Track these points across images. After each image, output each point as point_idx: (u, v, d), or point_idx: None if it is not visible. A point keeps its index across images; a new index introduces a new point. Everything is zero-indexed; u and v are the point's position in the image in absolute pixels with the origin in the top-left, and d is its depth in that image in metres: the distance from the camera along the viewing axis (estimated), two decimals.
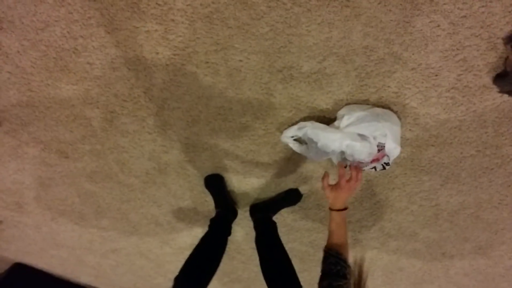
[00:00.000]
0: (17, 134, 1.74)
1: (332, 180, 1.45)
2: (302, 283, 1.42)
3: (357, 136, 1.41)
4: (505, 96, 1.37)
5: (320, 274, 1.14)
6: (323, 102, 1.48)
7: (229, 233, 1.80)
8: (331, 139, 1.42)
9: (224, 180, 1.88)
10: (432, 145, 1.57)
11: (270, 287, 1.49)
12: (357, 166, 1.31)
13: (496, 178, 1.67)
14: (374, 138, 1.43)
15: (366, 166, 1.54)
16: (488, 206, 1.81)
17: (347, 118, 1.43)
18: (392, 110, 1.48)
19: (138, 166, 1.84)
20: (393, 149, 1.47)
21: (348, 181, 1.27)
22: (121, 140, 1.71)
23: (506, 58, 1.26)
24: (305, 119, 1.55)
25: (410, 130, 1.53)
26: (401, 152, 1.61)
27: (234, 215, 1.93)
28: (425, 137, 1.55)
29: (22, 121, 1.67)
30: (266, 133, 1.62)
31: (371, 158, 1.48)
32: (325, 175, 1.33)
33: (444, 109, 1.44)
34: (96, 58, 1.42)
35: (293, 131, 1.53)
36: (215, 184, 1.88)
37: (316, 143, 1.48)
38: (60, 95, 1.54)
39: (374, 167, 1.55)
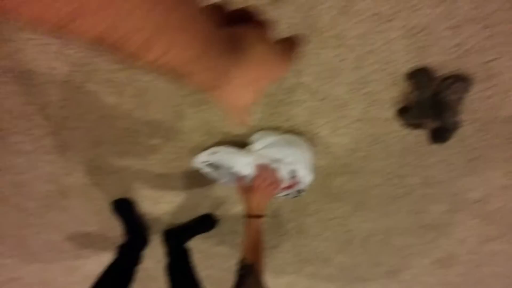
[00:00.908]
0: None
1: None
2: None
3: (270, 160, 1.39)
4: (409, 129, 1.42)
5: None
6: (235, 128, 1.44)
7: (137, 262, 1.68)
8: (244, 163, 1.38)
9: (134, 204, 1.76)
10: (342, 174, 1.59)
11: None
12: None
13: (402, 206, 1.73)
14: (287, 164, 1.41)
15: (279, 193, 1.52)
16: (396, 232, 1.87)
17: (260, 143, 1.40)
18: (304, 137, 1.47)
19: (37, 189, 1.67)
20: (306, 176, 1.46)
21: (263, 182, 1.24)
22: (16, 160, 1.54)
23: (408, 93, 1.30)
24: (218, 144, 1.50)
25: (323, 158, 1.54)
26: (314, 180, 1.61)
27: (144, 242, 1.82)
28: (336, 166, 1.56)
29: None
30: (177, 157, 1.55)
31: (284, 184, 1.46)
32: (240, 177, 1.29)
33: (352, 139, 1.46)
34: None
35: (205, 157, 1.47)
36: (123, 209, 1.75)
37: (228, 168, 1.43)
38: None
39: (287, 194, 1.54)
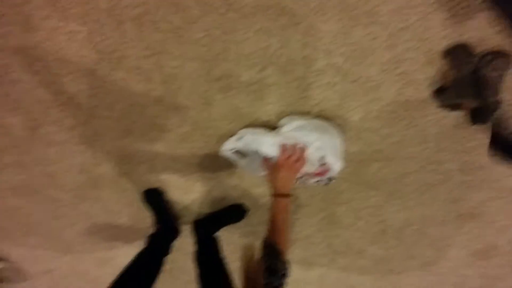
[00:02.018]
0: None
1: None
2: None
3: (296, 141, 1.35)
4: (446, 111, 1.35)
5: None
6: (264, 114, 1.42)
7: (166, 253, 1.68)
8: (270, 143, 1.34)
9: (164, 194, 1.76)
10: (376, 160, 1.54)
11: None
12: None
13: (439, 195, 1.65)
14: (316, 151, 1.37)
15: (309, 179, 1.48)
16: (432, 223, 1.79)
17: (287, 126, 1.37)
18: (334, 123, 1.43)
19: (69, 180, 1.69)
20: (334, 163, 1.41)
21: (289, 159, 1.22)
22: (48, 150, 1.57)
23: (445, 73, 1.24)
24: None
25: (354, 144, 1.49)
26: (346, 167, 1.56)
27: (175, 233, 1.81)
28: (369, 152, 1.51)
29: None
30: (207, 145, 1.53)
31: (313, 170, 1.42)
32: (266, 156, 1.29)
33: (386, 123, 1.40)
34: (14, 60, 1.28)
35: (232, 143, 1.44)
36: (154, 199, 1.76)
37: (256, 152, 1.40)
38: None
39: (318, 181, 1.49)
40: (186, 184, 1.70)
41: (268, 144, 1.33)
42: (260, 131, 1.38)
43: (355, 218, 1.82)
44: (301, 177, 1.48)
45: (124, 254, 2.07)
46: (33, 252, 2.13)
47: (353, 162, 1.55)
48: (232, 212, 1.84)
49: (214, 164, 1.60)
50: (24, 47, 1.25)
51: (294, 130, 1.35)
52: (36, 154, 1.58)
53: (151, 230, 1.76)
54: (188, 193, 1.75)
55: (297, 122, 1.36)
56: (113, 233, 1.98)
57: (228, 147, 1.45)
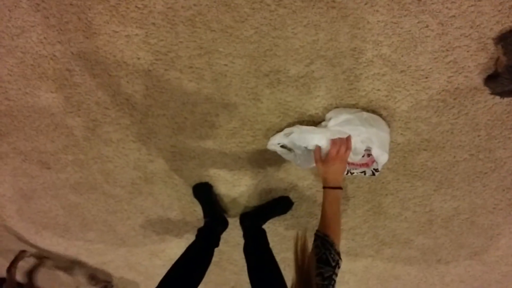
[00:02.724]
0: None
1: None
2: None
3: (344, 134, 1.37)
4: (497, 98, 1.34)
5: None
6: (312, 107, 1.44)
7: (216, 244, 1.74)
8: (318, 138, 1.37)
9: (213, 188, 1.82)
10: (424, 150, 1.53)
11: None
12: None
13: (490, 183, 1.63)
14: (362, 142, 1.39)
15: (355, 169, 1.50)
16: (482, 211, 1.77)
17: (334, 120, 1.38)
18: (381, 115, 1.44)
19: (123, 176, 1.78)
20: (380, 156, 1.43)
21: (339, 151, 1.24)
22: (105, 149, 1.65)
23: (497, 59, 1.22)
24: (293, 124, 1.50)
25: (401, 134, 1.49)
26: (393, 157, 1.57)
27: (224, 225, 1.87)
28: (417, 141, 1.51)
29: (0, 131, 1.61)
30: (255, 140, 1.58)
31: (358, 159, 1.44)
32: (317, 149, 1.31)
33: (435, 112, 1.40)
34: (76, 64, 1.37)
35: (279, 138, 1.48)
36: (204, 193, 1.82)
37: (303, 148, 1.44)
38: (39, 103, 1.49)
39: (364, 172, 1.51)
40: (234, 178, 1.75)
41: (316, 139, 1.36)
42: (307, 128, 1.41)
43: (402, 209, 1.82)
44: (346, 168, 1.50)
45: (175, 247, 2.17)
46: (90, 246, 2.25)
47: (401, 152, 1.55)
48: (278, 205, 1.88)
49: (261, 158, 1.64)
50: (86, 51, 1.33)
51: (340, 125, 1.37)
52: (94, 153, 1.67)
53: (201, 223, 1.83)
54: (236, 187, 1.80)
55: (343, 116, 1.37)
56: (164, 227, 2.07)
57: (275, 141, 1.49)
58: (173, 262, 2.16)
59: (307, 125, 1.49)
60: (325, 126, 1.40)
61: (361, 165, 1.48)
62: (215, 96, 1.43)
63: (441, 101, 1.37)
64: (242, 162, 1.67)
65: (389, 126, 1.47)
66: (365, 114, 1.41)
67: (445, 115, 1.41)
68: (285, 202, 1.87)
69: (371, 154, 1.43)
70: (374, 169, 1.49)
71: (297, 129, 1.43)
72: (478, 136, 1.46)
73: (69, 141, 1.63)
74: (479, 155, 1.53)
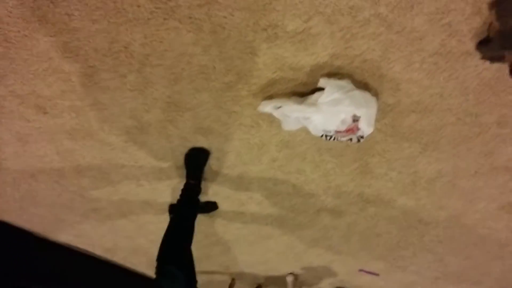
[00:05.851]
0: None
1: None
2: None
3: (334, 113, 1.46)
4: (487, 63, 1.37)
5: None
6: (307, 64, 1.47)
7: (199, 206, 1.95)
8: (307, 113, 1.49)
9: (208, 154, 1.93)
10: (413, 111, 1.58)
11: None
12: None
13: (474, 147, 1.69)
14: (351, 117, 1.47)
15: (343, 136, 1.56)
16: (464, 175, 1.85)
17: (325, 96, 1.44)
18: (371, 87, 1.51)
19: (119, 125, 1.81)
20: (366, 129, 1.51)
21: None
22: (102, 96, 1.67)
23: (490, 24, 1.25)
24: (288, 81, 1.54)
25: (392, 95, 1.54)
26: (382, 118, 1.62)
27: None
28: (407, 103, 1.56)
29: None
30: (249, 94, 1.61)
31: (344, 127, 1.50)
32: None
33: (427, 74, 1.44)
34: (75, 8, 1.36)
35: (269, 108, 1.55)
36: (199, 158, 1.93)
37: (293, 116, 1.52)
38: (38, 47, 1.49)
39: (350, 139, 1.57)
40: (227, 132, 1.79)
41: (305, 113, 1.46)
42: (297, 107, 1.49)
43: (388, 169, 1.89)
44: (332, 136, 1.56)
45: (167, 196, 2.25)
46: (84, 192, 2.31)
47: (391, 114, 1.60)
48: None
49: (255, 112, 1.68)
50: None
51: (331, 103, 1.44)
52: (90, 99, 1.69)
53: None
54: (229, 141, 1.84)
55: (335, 95, 1.43)
56: (157, 177, 2.13)
57: (265, 109, 1.55)
58: (164, 212, 2.30)
59: (299, 86, 1.54)
60: (316, 100, 1.47)
61: (347, 131, 1.53)
62: (212, 48, 1.45)
63: (433, 63, 1.40)
64: (236, 116, 1.71)
65: (378, 92, 1.53)
66: (356, 93, 1.46)
67: (436, 78, 1.45)
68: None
69: (356, 120, 1.49)
70: (359, 136, 1.55)
71: (287, 106, 1.51)
72: (466, 100, 1.51)
73: (67, 86, 1.64)
74: (466, 119, 1.58)
